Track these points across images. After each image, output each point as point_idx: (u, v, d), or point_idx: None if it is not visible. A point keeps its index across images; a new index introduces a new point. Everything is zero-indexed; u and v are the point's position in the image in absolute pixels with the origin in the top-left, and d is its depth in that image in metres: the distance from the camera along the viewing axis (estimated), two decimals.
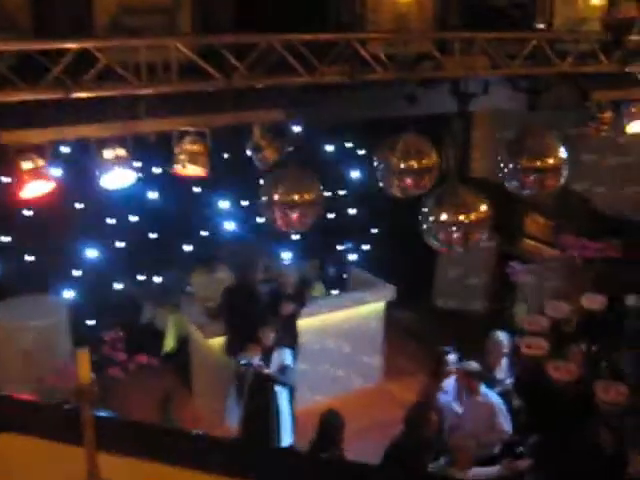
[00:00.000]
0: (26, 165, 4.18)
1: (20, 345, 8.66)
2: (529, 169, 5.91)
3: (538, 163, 5.86)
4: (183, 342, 9.55)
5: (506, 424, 7.11)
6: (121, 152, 4.53)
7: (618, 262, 9.02)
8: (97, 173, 4.55)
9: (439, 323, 10.97)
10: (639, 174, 9.98)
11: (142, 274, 10.27)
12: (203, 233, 10.56)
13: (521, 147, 5.94)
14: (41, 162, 4.24)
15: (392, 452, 6.60)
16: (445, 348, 7.56)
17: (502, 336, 7.72)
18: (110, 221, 9.84)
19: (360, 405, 9.26)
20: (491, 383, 7.41)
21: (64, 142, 5.06)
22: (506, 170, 6.05)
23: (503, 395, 7.40)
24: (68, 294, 9.57)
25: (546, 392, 7.25)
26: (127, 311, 9.94)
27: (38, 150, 4.27)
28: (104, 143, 4.53)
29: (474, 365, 7.21)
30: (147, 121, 4.41)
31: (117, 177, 4.63)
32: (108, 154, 4.48)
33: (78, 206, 9.47)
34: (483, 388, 7.18)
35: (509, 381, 7.63)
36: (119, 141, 4.53)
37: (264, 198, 5.34)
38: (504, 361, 7.71)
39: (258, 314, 7.99)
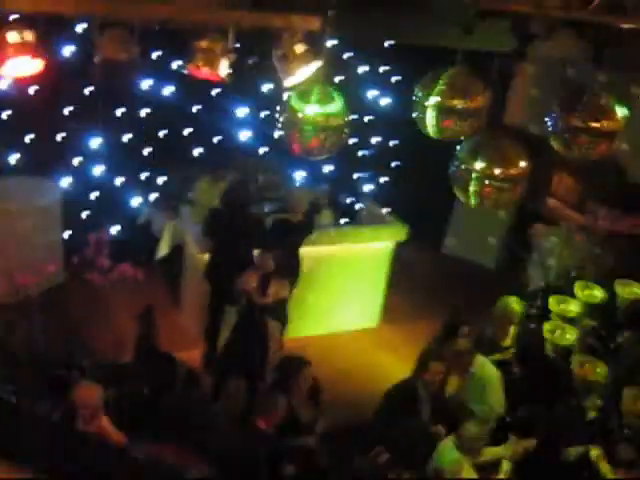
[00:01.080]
0: (12, 37, 3.54)
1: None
2: (582, 129, 5.29)
3: (593, 124, 5.23)
4: (177, 251, 9.06)
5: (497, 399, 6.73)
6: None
7: None
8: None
9: (448, 273, 10.53)
10: None
11: (145, 173, 9.69)
12: (215, 139, 9.95)
13: (577, 103, 5.29)
14: (29, 36, 3.61)
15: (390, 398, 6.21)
16: (458, 309, 7.05)
17: (513, 303, 7.21)
18: (119, 112, 9.18)
19: (354, 345, 8.98)
20: (491, 351, 6.97)
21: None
22: (554, 125, 5.44)
23: (504, 364, 6.98)
24: (65, 181, 9.05)
25: (549, 370, 6.88)
26: (125, 209, 9.45)
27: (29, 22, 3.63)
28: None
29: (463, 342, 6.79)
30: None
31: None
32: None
33: (86, 90, 8.83)
34: (479, 359, 6.76)
35: (512, 350, 7.18)
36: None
37: (284, 116, 4.75)
38: (511, 329, 7.23)
39: (254, 238, 7.43)
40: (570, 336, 7.21)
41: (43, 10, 3.78)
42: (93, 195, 9.08)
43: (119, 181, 9.42)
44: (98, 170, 9.01)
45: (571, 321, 7.34)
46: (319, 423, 6.14)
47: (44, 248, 8.29)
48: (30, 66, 3.73)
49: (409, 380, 6.54)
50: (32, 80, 4.05)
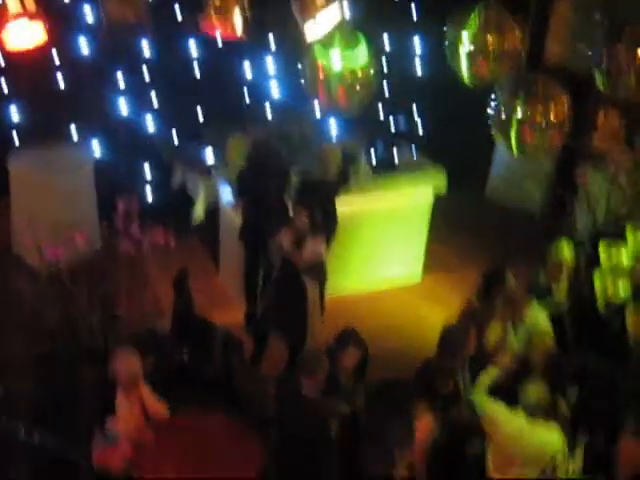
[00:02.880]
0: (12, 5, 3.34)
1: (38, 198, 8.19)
2: (626, 63, 4.96)
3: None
4: (213, 212, 8.92)
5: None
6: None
7: None
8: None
9: (490, 220, 10.24)
10: None
11: (176, 134, 9.51)
12: (246, 95, 9.71)
13: (623, 35, 4.95)
14: (31, 4, 3.39)
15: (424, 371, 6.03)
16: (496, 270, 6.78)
17: (566, 248, 6.90)
18: (146, 73, 8.99)
19: (396, 299, 8.80)
20: (544, 298, 6.71)
21: None
22: (597, 61, 5.13)
23: (555, 312, 6.73)
24: (95, 148, 8.93)
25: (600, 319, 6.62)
26: (158, 173, 9.33)
27: None
28: None
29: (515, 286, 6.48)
30: None
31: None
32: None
33: (112, 54, 8.64)
34: (534, 309, 6.50)
35: (567, 303, 6.90)
36: None
37: (308, 70, 4.51)
38: (564, 277, 6.94)
39: (285, 195, 7.23)
40: (623, 288, 6.86)
41: None
42: (124, 161, 8.96)
43: (151, 145, 9.29)
44: (128, 135, 8.87)
45: (623, 271, 7.01)
46: (359, 394, 5.96)
47: (76, 219, 8.19)
48: (31, 32, 3.54)
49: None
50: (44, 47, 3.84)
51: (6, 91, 8.74)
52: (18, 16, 3.36)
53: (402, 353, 7.61)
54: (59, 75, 8.47)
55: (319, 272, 6.84)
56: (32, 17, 3.50)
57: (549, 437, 5.40)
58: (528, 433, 5.36)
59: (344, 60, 4.49)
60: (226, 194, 8.23)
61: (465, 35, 4.66)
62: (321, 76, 4.54)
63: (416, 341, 7.78)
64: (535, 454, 5.36)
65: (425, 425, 5.40)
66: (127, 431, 5.41)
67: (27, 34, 3.54)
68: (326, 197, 7.66)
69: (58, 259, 5.79)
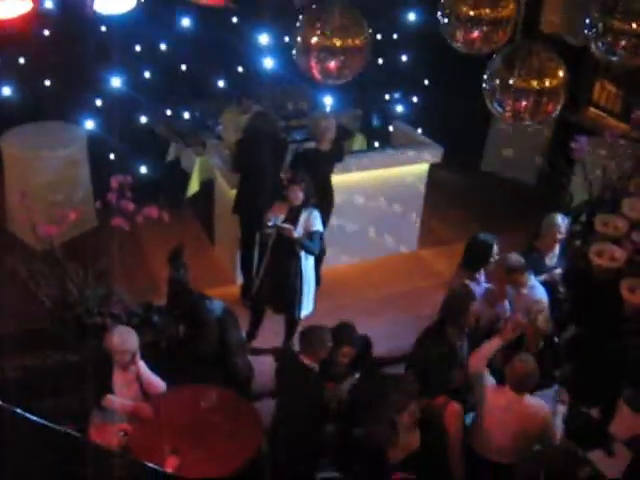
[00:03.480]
0: None
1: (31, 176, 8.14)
2: (622, 31, 4.90)
3: (635, 26, 4.83)
4: (208, 187, 8.87)
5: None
6: None
7: None
8: None
9: (486, 191, 10.23)
10: None
11: (170, 109, 9.44)
12: (239, 69, 9.62)
13: (617, 4, 4.88)
14: None
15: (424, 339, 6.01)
16: (487, 236, 6.74)
17: (559, 219, 6.86)
18: (137, 48, 8.91)
19: (391, 271, 8.78)
20: (538, 270, 6.69)
21: None
22: (593, 29, 5.05)
23: (549, 284, 6.72)
24: (88, 124, 8.85)
25: (596, 290, 6.59)
26: (151, 148, 9.26)
27: None
28: None
29: (515, 258, 6.44)
30: None
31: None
32: None
33: (102, 28, 8.55)
34: (531, 279, 6.48)
35: (558, 270, 6.90)
36: None
37: (298, 40, 4.44)
38: (557, 247, 6.95)
39: (280, 168, 7.16)
40: (618, 257, 6.86)
41: None
42: (117, 137, 8.89)
43: (143, 119, 9.20)
44: (121, 110, 8.77)
45: (618, 241, 6.99)
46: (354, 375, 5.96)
47: (70, 196, 8.16)
48: (19, 6, 3.47)
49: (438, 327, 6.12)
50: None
51: None
52: None
53: (396, 322, 7.63)
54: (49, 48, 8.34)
55: (315, 244, 6.78)
56: None
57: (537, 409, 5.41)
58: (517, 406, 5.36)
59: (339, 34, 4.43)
60: (222, 168, 8.17)
61: (460, 4, 4.60)
62: (311, 47, 4.47)
63: (410, 311, 7.79)
64: (524, 427, 5.37)
65: (453, 415, 5.42)
66: (124, 408, 5.42)
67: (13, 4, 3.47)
68: (321, 170, 7.61)
69: (52, 237, 5.74)
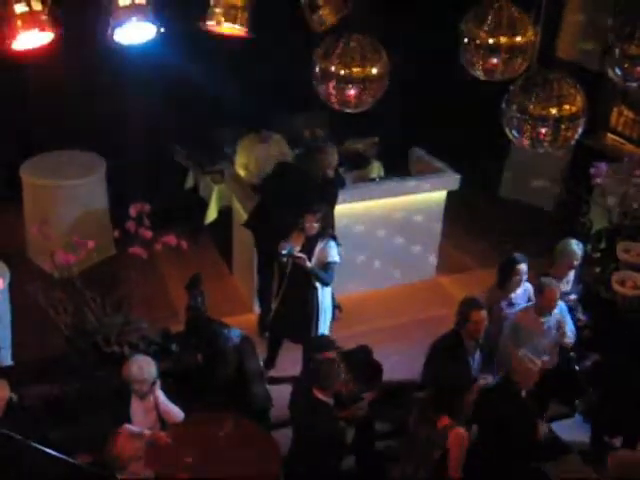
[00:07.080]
0: (20, 8, 3.30)
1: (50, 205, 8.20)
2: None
3: None
4: (226, 214, 8.89)
5: (570, 333, 6.47)
6: (37, 6, 3.50)
7: None
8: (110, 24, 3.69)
9: (504, 219, 10.18)
10: None
11: (188, 136, 9.49)
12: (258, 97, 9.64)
13: (635, 31, 4.89)
14: (38, 6, 3.37)
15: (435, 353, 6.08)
16: (517, 255, 6.71)
17: (574, 245, 6.83)
18: (155, 76, 8.95)
19: (409, 298, 8.74)
20: None
21: None
22: (610, 55, 5.07)
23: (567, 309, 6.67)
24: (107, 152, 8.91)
25: (615, 316, 6.52)
26: (171, 176, 9.32)
27: None
28: None
29: (554, 282, 6.40)
30: None
31: (134, 30, 3.76)
32: (124, 1, 3.59)
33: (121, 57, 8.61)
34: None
35: (573, 296, 6.84)
36: None
37: (317, 69, 4.46)
38: (572, 273, 6.89)
39: (300, 199, 7.13)
40: None
41: None
42: (136, 165, 8.96)
43: (162, 148, 9.25)
44: (138, 138, 8.85)
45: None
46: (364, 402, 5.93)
47: (88, 225, 8.21)
48: (39, 38, 3.50)
49: (452, 332, 6.33)
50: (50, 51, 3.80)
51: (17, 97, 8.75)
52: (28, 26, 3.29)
53: (412, 354, 7.56)
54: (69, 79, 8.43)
55: (330, 275, 6.75)
56: (42, 28, 3.43)
57: None
58: None
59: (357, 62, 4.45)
60: (239, 197, 8.18)
61: (478, 31, 4.61)
62: (331, 75, 4.49)
63: (427, 339, 7.72)
64: None
65: (456, 438, 5.37)
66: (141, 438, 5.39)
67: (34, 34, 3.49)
68: (330, 200, 7.56)
69: (70, 265, 5.76)
